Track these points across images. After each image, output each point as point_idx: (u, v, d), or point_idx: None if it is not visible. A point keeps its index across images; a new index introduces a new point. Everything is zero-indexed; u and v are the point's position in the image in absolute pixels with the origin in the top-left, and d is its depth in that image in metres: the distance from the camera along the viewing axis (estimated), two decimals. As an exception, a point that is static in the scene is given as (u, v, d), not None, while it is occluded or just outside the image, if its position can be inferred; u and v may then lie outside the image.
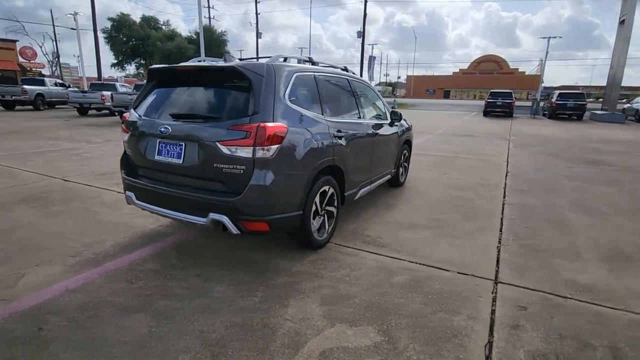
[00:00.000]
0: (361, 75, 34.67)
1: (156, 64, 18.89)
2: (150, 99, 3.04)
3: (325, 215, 3.16)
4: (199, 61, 3.04)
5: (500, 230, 3.64)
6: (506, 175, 6.15)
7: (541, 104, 25.06)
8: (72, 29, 30.17)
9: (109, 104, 15.81)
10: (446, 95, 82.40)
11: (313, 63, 3.43)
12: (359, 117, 3.84)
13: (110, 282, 2.51)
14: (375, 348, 1.92)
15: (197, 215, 2.58)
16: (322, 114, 3.10)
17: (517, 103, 24.69)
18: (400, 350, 1.90)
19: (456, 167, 6.83)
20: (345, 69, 4.02)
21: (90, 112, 17.71)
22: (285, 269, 2.78)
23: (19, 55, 35.08)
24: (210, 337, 1.98)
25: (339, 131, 3.19)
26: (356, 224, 3.74)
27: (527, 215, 4.12)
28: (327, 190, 3.08)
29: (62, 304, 2.24)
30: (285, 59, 3.08)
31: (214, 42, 37.01)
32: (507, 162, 7.44)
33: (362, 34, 32.33)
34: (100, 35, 31.16)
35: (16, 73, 32.38)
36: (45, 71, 42.80)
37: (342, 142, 3.24)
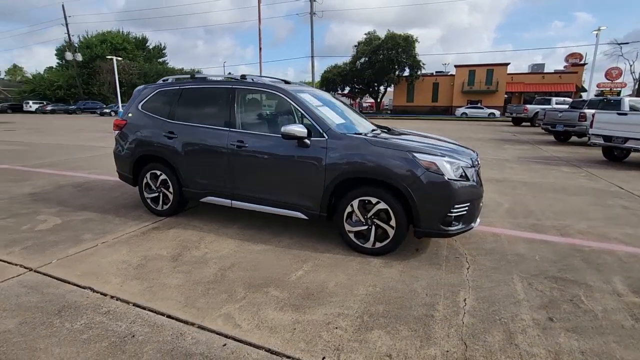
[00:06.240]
0: None
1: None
2: None
3: (161, 194, 4.15)
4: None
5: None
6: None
7: None
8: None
9: (585, 126, 10.61)
10: None
11: (202, 79, 4.07)
12: (225, 126, 3.68)
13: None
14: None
15: None
16: (169, 118, 4.00)
17: None
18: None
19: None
20: (242, 79, 3.81)
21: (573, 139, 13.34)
22: (119, 217, 4.16)
23: (605, 76, 34.31)
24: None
25: (171, 132, 3.92)
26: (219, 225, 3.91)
27: None
28: (157, 173, 4.09)
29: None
30: (177, 79, 4.22)
31: None
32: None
33: None
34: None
35: (572, 94, 35.81)
36: (627, 90, 37.23)
37: (174, 142, 3.89)
